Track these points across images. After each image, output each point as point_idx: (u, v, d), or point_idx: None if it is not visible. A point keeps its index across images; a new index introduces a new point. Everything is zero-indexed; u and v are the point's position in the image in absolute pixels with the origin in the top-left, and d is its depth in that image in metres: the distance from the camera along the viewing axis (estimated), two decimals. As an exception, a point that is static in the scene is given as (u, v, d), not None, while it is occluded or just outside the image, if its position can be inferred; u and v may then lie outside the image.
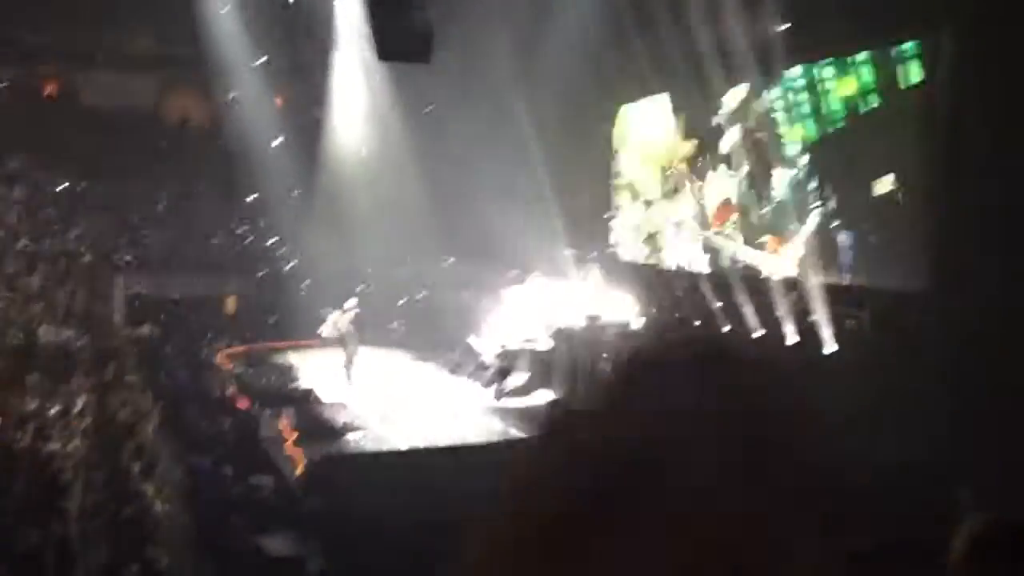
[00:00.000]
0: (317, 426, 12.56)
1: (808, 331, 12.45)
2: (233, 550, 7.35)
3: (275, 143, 21.17)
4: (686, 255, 15.96)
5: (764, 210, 14.07)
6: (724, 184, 15.08)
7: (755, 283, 13.87)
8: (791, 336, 12.81)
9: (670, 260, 16.45)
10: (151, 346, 15.48)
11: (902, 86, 11.48)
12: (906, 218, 11.40)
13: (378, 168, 21.22)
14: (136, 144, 22.53)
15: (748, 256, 14.41)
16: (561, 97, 17.85)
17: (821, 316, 12.22)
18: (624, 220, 18.23)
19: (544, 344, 15.56)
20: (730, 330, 14.15)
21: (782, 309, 13.05)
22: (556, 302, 16.16)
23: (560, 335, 15.23)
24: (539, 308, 16.17)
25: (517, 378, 14.58)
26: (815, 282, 12.47)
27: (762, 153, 14.08)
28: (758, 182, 14.21)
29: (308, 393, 14.33)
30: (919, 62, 11.24)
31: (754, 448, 0.68)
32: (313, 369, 17.00)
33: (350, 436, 12.41)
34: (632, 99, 17.52)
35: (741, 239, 14.64)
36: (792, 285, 13.13)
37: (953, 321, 10.03)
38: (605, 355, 13.98)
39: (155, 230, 21.72)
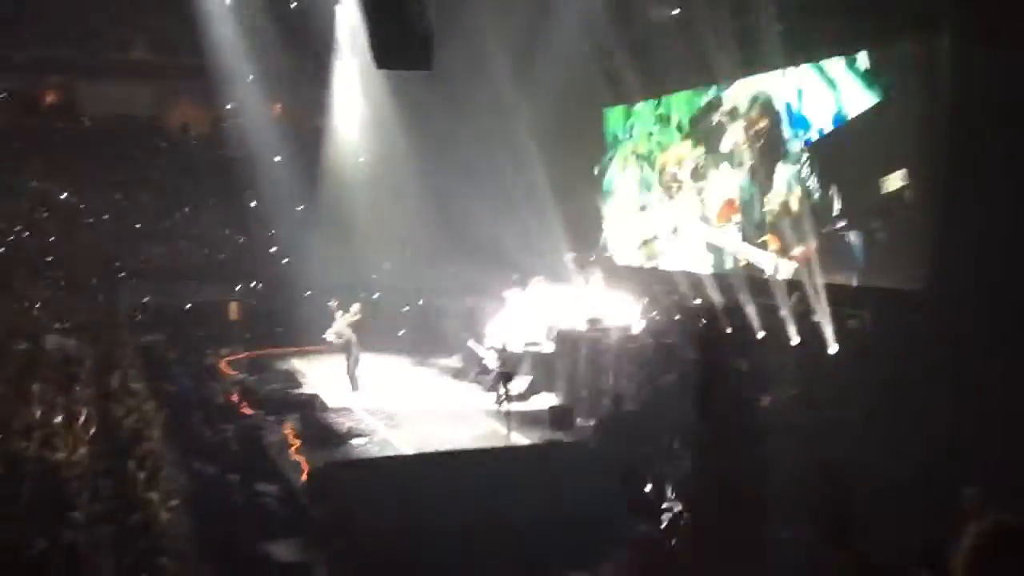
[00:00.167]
0: (322, 432, 12.59)
1: (811, 331, 12.46)
2: (239, 557, 7.37)
3: (277, 151, 21.20)
4: (687, 256, 15.98)
5: (767, 208, 14.05)
6: (726, 183, 15.08)
7: (758, 283, 13.89)
8: (794, 336, 12.82)
9: (671, 262, 16.48)
10: (156, 354, 15.50)
11: (906, 83, 11.42)
12: (911, 217, 11.36)
13: (379, 175, 21.28)
14: (138, 153, 22.63)
15: (751, 255, 14.42)
16: (560, 101, 17.92)
17: (824, 316, 12.22)
18: (621, 224, 18.27)
19: (546, 347, 15.58)
20: (733, 331, 14.19)
21: (785, 309, 13.06)
22: (558, 305, 16.19)
23: (562, 338, 15.25)
24: (541, 311, 16.20)
25: (520, 382, 14.60)
26: (818, 281, 12.47)
27: (765, 151, 14.07)
28: (761, 180, 14.19)
29: (312, 399, 14.36)
30: (923, 59, 11.18)
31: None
32: (317, 375, 17.06)
33: (355, 441, 12.44)
34: (629, 101, 17.57)
35: (743, 238, 14.65)
36: (795, 285, 13.13)
37: (957, 320, 10.04)
38: (606, 358, 14.01)
39: (157, 238, 21.77)
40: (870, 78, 11.97)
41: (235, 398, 14.11)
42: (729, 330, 14.14)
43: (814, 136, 13.02)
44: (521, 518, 7.72)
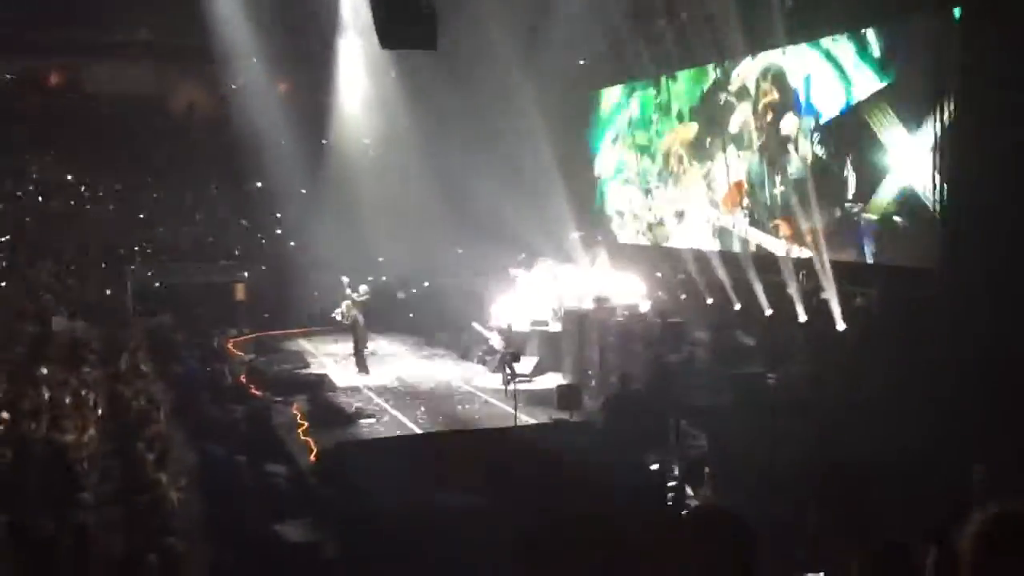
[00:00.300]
0: (330, 412, 12.63)
1: (819, 312, 12.43)
2: (249, 537, 7.41)
3: (282, 131, 21.15)
4: (694, 238, 15.91)
5: (777, 189, 13.89)
6: (734, 165, 14.97)
7: (766, 264, 13.84)
8: (801, 316, 12.80)
9: (677, 243, 16.42)
10: (163, 335, 15.55)
11: (917, 61, 11.25)
12: (924, 199, 11.19)
13: (384, 155, 21.25)
14: (143, 134, 22.60)
15: (759, 239, 14.34)
16: (564, 81, 17.85)
17: (833, 297, 12.18)
18: (625, 207, 18.21)
19: (553, 327, 15.58)
20: (740, 309, 14.17)
21: (793, 290, 13.03)
22: (564, 285, 16.17)
23: (569, 317, 15.24)
24: (547, 291, 16.18)
25: (526, 362, 14.60)
26: (827, 263, 12.40)
27: (776, 126, 13.88)
28: (771, 159, 14.01)
29: (320, 379, 14.39)
30: (936, 35, 11.01)
31: None
32: (325, 355, 17.10)
33: (363, 422, 12.48)
34: (632, 80, 17.45)
35: (751, 222, 14.55)
36: (803, 266, 13.08)
37: (967, 298, 9.99)
38: (613, 337, 14.00)
39: (164, 219, 21.78)
40: (879, 56, 11.82)
41: (243, 379, 14.15)
42: (737, 307, 14.14)
43: (825, 114, 12.84)
44: (530, 497, 7.74)
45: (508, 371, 13.16)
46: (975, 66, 10.23)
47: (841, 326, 12.00)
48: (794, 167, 13.48)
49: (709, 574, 2.10)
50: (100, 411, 9.62)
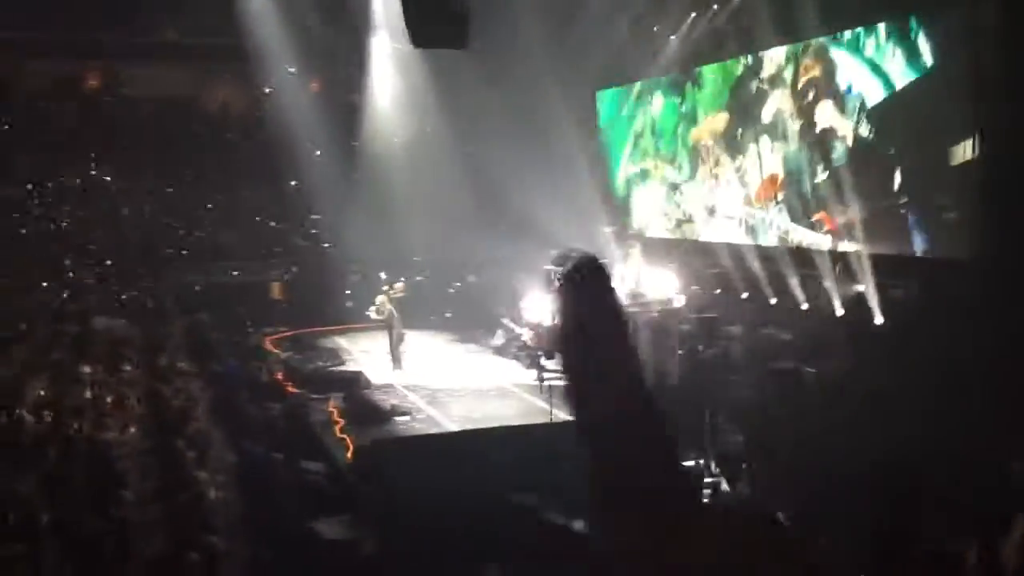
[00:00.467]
0: (366, 410, 12.69)
1: (857, 305, 12.29)
2: (288, 535, 7.48)
3: (316, 131, 21.30)
4: (725, 234, 15.75)
5: (817, 179, 13.48)
6: (768, 158, 14.76)
7: (801, 257, 13.68)
8: (838, 310, 12.66)
9: (708, 237, 16.28)
10: (201, 333, 15.71)
11: (956, 49, 10.98)
12: (976, 189, 10.85)
13: (416, 153, 21.31)
14: (179, 134, 22.87)
15: (797, 233, 14.12)
16: (594, 77, 17.80)
17: (872, 290, 12.01)
18: (652, 204, 18.08)
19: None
20: (775, 304, 14.04)
21: (830, 283, 12.87)
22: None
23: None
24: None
25: (562, 359, 14.54)
26: (867, 255, 12.21)
27: (813, 114, 13.53)
28: (810, 149, 13.69)
29: (356, 376, 14.47)
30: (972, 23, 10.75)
31: None
32: (360, 352, 17.19)
33: (399, 419, 12.53)
34: (662, 73, 17.32)
35: (788, 217, 14.31)
36: (840, 258, 12.91)
37: (1011, 296, 9.82)
38: (647, 333, 13.93)
39: (201, 219, 22.02)
40: (920, 44, 11.54)
41: (280, 376, 14.27)
42: (773, 301, 13.98)
43: (870, 99, 12.42)
44: (566, 494, 7.73)
45: (542, 366, 13.14)
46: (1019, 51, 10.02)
47: (880, 320, 11.85)
48: (837, 154, 13.09)
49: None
50: (140, 409, 9.75)
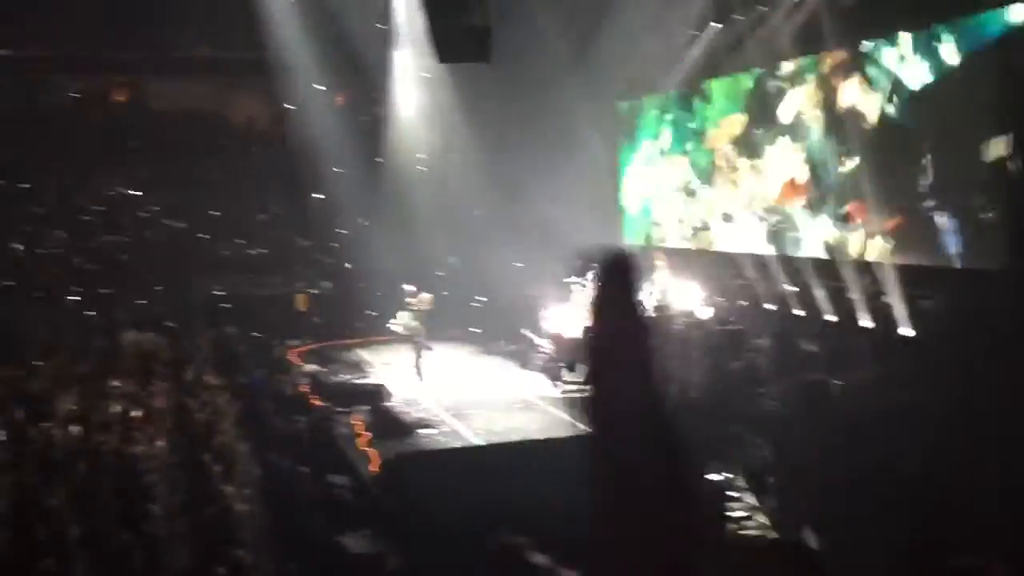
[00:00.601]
0: (390, 423, 12.72)
1: (885, 317, 12.16)
2: (314, 548, 7.50)
3: (339, 145, 21.42)
4: (744, 242, 15.62)
5: (845, 169, 13.13)
6: (786, 161, 14.56)
7: (827, 268, 13.55)
8: (866, 321, 12.55)
9: (728, 246, 16.16)
10: (228, 347, 15.82)
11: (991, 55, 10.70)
12: (998, 197, 10.63)
13: (439, 167, 21.41)
14: (205, 149, 23.08)
15: (819, 239, 13.98)
16: (615, 90, 17.80)
17: (899, 301, 11.86)
18: (668, 211, 17.99)
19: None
20: (802, 316, 13.93)
21: (857, 294, 12.76)
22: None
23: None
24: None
25: (581, 370, 14.50)
26: (894, 265, 12.06)
27: (837, 107, 13.22)
28: (831, 156, 13.44)
29: (380, 389, 14.50)
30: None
31: None
32: (383, 365, 17.23)
33: (423, 432, 12.54)
34: (683, 86, 17.26)
35: (811, 221, 14.15)
36: (867, 269, 12.79)
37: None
38: (672, 345, 13.86)
39: (226, 233, 22.19)
40: (951, 49, 11.31)
41: (305, 389, 14.33)
42: (799, 313, 13.85)
43: (897, 95, 12.11)
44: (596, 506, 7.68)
45: (565, 379, 13.13)
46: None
47: (909, 332, 11.72)
48: (862, 152, 12.78)
49: None
50: (168, 423, 9.83)
